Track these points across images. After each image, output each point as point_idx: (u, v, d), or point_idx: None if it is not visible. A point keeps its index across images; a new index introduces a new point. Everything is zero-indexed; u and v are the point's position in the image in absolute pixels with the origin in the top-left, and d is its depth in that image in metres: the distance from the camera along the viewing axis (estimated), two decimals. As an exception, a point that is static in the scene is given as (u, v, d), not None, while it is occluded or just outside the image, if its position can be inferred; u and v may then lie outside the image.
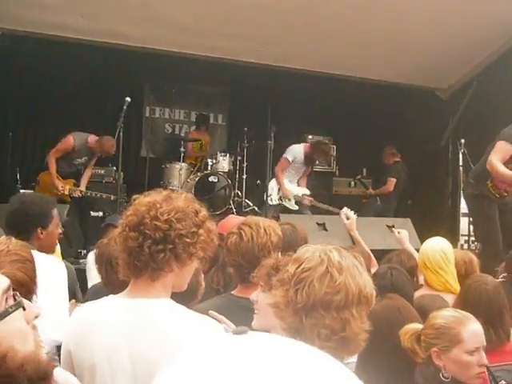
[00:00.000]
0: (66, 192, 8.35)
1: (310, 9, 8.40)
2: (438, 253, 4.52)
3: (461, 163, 8.69)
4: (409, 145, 11.14)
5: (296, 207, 9.58)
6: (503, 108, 8.42)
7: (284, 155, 9.51)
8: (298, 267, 1.89)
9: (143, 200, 2.32)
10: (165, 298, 2.29)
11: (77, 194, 8.45)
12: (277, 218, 7.55)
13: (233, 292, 3.08)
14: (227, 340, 0.87)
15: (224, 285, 3.49)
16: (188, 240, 2.27)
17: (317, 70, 10.28)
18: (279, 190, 9.52)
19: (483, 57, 9.68)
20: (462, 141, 8.64)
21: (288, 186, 9.58)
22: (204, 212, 2.40)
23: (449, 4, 8.13)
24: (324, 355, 0.90)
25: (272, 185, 9.48)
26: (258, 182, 10.44)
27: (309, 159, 9.63)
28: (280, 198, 9.52)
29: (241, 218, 3.76)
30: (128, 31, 8.88)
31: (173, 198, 2.34)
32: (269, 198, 9.29)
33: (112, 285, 3.15)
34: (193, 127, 11.67)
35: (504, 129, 6.58)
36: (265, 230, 2.99)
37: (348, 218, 6.10)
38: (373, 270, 4.28)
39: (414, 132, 11.16)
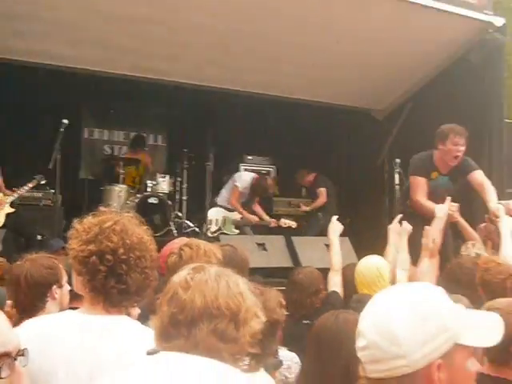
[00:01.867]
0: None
1: (248, 31, 8.50)
2: (373, 271, 4.70)
3: (397, 182, 8.86)
4: (347, 164, 11.34)
5: (236, 231, 9.64)
6: (435, 128, 8.67)
7: (234, 183, 9.65)
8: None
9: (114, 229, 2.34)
10: (122, 315, 2.33)
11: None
12: (216, 240, 7.59)
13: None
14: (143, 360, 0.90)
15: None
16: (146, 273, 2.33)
17: (255, 91, 10.35)
18: (220, 221, 9.58)
19: (417, 79, 9.95)
20: (398, 160, 8.81)
21: (228, 213, 9.68)
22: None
23: (384, 27, 8.35)
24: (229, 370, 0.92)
25: (212, 215, 9.51)
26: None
27: (252, 192, 9.84)
28: (219, 228, 9.54)
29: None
30: (64, 52, 8.77)
31: (141, 238, 2.40)
32: (207, 231, 9.34)
33: (21, 306, 3.12)
34: (125, 148, 11.56)
35: (411, 161, 6.90)
36: (205, 251, 3.02)
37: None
38: None
39: (351, 152, 11.37)
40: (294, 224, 9.37)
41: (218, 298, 1.78)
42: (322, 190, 10.71)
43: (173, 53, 8.99)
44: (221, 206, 9.68)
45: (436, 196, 6.47)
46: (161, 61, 9.23)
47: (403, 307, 1.49)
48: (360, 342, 1.56)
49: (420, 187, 6.54)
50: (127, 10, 7.84)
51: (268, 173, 11.47)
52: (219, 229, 9.53)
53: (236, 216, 9.67)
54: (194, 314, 1.75)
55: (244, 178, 9.83)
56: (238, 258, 4.19)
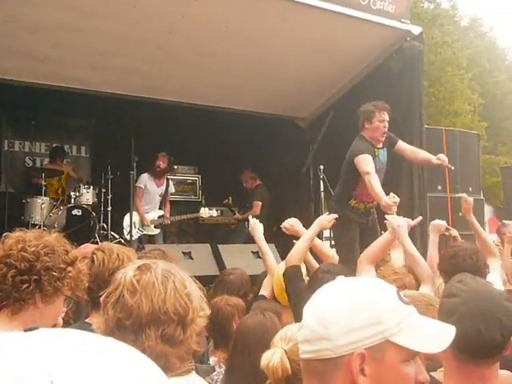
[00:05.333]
0: None
1: (172, 40, 8.47)
2: None
3: (322, 189, 8.98)
4: (273, 173, 11.39)
5: (157, 230, 9.63)
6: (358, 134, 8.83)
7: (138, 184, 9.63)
8: (106, 292, 1.85)
9: (13, 235, 2.32)
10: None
11: None
12: (142, 249, 7.51)
13: (86, 320, 3.01)
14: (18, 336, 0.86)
15: (74, 316, 3.39)
16: (55, 274, 2.27)
17: (180, 100, 10.33)
18: (137, 223, 9.51)
19: (339, 87, 10.10)
20: (321, 167, 8.94)
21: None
22: (75, 252, 2.42)
23: (305, 36, 8.46)
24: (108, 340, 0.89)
25: (128, 220, 9.39)
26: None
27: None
28: (139, 230, 9.49)
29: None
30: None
31: (44, 235, 2.36)
32: (127, 235, 9.30)
33: None
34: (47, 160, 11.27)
35: (351, 147, 6.89)
36: (118, 255, 2.96)
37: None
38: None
39: (277, 160, 11.43)
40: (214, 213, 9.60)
41: (165, 302, 1.75)
42: (258, 204, 10.71)
43: (95, 62, 8.86)
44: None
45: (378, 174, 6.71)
46: (83, 70, 9.08)
47: (342, 294, 1.50)
48: (301, 323, 1.58)
49: (368, 162, 6.59)
50: (49, 18, 7.68)
51: (194, 182, 11.49)
52: (141, 230, 9.48)
53: (153, 216, 9.64)
54: (142, 320, 1.72)
55: (142, 176, 9.84)
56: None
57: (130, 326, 1.71)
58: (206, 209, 9.92)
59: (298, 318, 4.25)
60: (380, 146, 6.92)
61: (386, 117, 6.81)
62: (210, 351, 3.98)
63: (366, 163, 6.57)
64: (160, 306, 1.74)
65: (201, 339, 1.89)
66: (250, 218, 5.76)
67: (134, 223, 9.39)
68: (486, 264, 4.16)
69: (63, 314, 2.84)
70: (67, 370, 0.76)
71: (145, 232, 9.56)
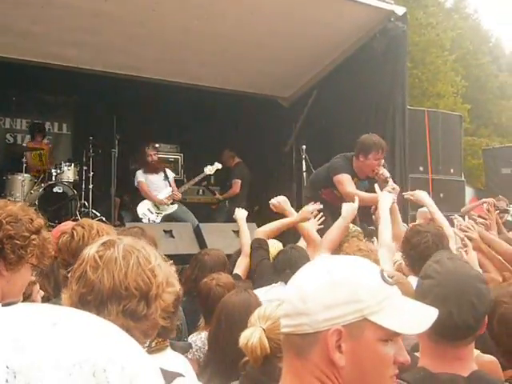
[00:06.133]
0: None
1: (155, 19, 8.42)
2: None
3: (304, 169, 8.99)
4: (255, 152, 11.37)
5: (175, 206, 9.63)
6: (340, 115, 8.83)
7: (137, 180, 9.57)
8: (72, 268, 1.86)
9: None
10: None
11: None
12: (122, 226, 7.51)
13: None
14: None
15: (53, 293, 3.37)
16: (17, 242, 2.25)
17: (163, 78, 10.28)
18: (152, 208, 9.48)
19: (322, 66, 10.09)
20: (304, 147, 8.94)
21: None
22: (40, 221, 2.39)
23: (289, 16, 8.42)
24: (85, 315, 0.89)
25: (142, 208, 9.41)
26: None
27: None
28: (157, 213, 9.45)
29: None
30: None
31: (8, 204, 2.34)
32: (147, 219, 9.29)
33: None
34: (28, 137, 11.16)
35: (333, 163, 6.78)
36: (98, 231, 2.94)
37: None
38: None
39: (260, 139, 11.42)
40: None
41: (127, 277, 1.76)
42: (237, 182, 10.70)
43: (78, 39, 8.78)
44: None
45: None
46: (65, 47, 9.00)
47: (323, 270, 1.50)
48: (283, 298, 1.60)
49: (350, 181, 6.50)
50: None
51: (176, 160, 11.46)
52: (159, 213, 9.44)
53: (161, 197, 9.61)
54: (103, 296, 1.74)
55: (136, 174, 9.74)
56: (146, 240, 4.14)
57: (93, 301, 1.74)
58: (209, 166, 9.84)
59: (255, 283, 4.34)
60: (362, 178, 6.76)
61: (382, 155, 6.55)
62: (200, 327, 4.02)
63: (346, 184, 6.49)
64: (121, 281, 1.76)
65: (175, 318, 1.89)
66: (236, 209, 6.02)
67: (150, 210, 9.41)
68: (448, 247, 4.15)
69: (43, 293, 2.83)
70: (29, 354, 0.75)
71: (164, 212, 9.50)
